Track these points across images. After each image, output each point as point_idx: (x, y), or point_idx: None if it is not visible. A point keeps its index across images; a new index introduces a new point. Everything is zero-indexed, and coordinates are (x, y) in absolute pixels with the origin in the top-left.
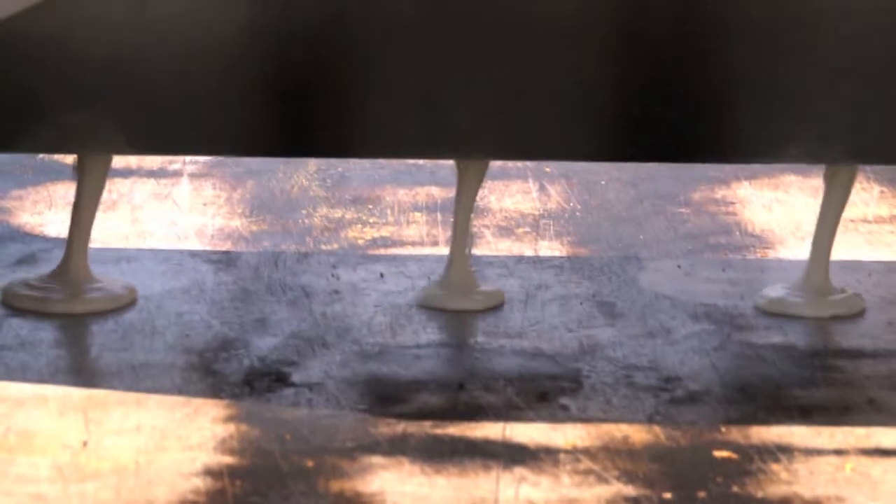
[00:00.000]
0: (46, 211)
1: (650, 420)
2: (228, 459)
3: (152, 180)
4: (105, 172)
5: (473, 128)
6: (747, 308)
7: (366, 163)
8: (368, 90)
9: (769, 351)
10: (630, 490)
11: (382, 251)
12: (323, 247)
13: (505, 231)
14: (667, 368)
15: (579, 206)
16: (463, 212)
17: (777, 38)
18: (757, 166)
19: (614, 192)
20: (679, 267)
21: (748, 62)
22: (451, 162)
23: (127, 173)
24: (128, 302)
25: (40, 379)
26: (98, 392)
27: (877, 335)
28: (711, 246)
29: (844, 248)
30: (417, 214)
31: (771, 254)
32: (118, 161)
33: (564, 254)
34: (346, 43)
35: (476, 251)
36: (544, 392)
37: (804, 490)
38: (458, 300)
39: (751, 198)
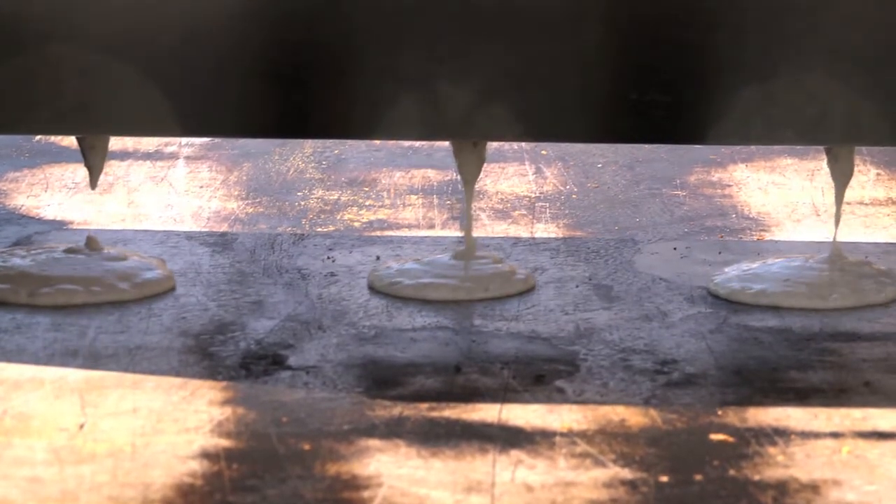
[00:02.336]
0: (42, 193)
1: (647, 403)
2: (225, 442)
3: (148, 163)
4: (106, 147)
5: (471, 109)
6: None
7: (362, 145)
8: (366, 71)
9: (765, 334)
10: (626, 473)
11: (378, 234)
12: (319, 229)
13: (501, 214)
14: (663, 351)
15: (575, 189)
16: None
17: (773, 19)
18: (753, 149)
19: (610, 174)
20: (675, 249)
21: (745, 43)
22: (446, 145)
23: (123, 156)
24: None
25: (36, 361)
26: (94, 374)
27: (873, 318)
28: (708, 228)
29: (841, 231)
30: (413, 197)
31: (767, 236)
32: (114, 144)
33: (561, 236)
34: (344, 22)
35: (472, 234)
36: (541, 375)
37: (801, 473)
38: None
39: (747, 180)
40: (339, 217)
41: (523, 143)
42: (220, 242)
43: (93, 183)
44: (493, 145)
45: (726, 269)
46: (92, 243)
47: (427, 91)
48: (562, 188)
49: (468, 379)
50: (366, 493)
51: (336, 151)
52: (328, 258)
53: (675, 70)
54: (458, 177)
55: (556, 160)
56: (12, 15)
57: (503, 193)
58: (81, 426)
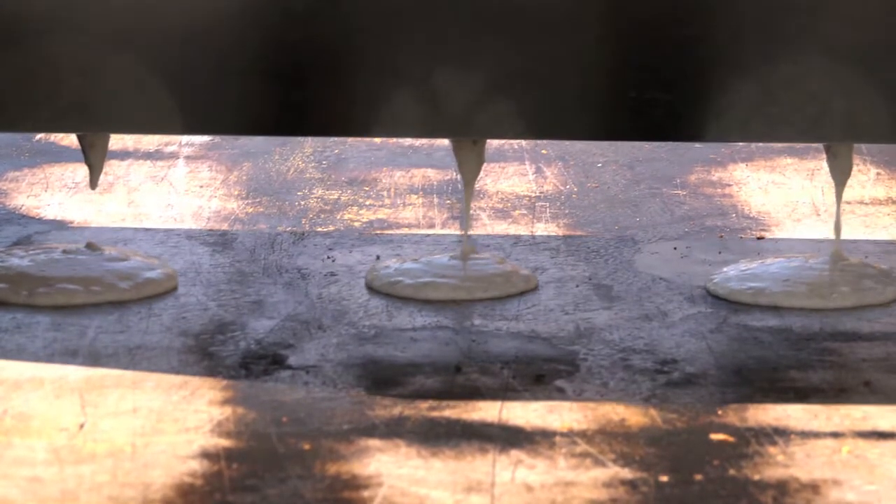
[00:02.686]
0: (43, 193)
1: (647, 403)
2: (225, 442)
3: (148, 162)
4: (106, 145)
5: (471, 107)
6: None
7: (362, 145)
8: (366, 68)
9: (765, 333)
10: (626, 473)
11: (378, 233)
12: (319, 229)
13: (501, 213)
14: (663, 351)
15: (576, 189)
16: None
17: (773, 17)
18: (753, 148)
19: (610, 174)
20: (675, 249)
21: (744, 41)
22: (446, 144)
23: (123, 155)
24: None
25: (36, 361)
26: (94, 374)
27: (873, 318)
28: (708, 228)
29: (841, 230)
30: (414, 197)
31: (767, 236)
32: (114, 143)
33: (561, 236)
34: (344, 20)
35: (472, 233)
36: (541, 375)
37: (801, 473)
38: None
39: (747, 180)
40: (339, 217)
41: (523, 142)
42: (220, 242)
43: (93, 182)
44: (493, 144)
45: (724, 269)
46: (92, 248)
47: (427, 89)
48: (562, 188)
49: (468, 379)
50: (366, 493)
51: (336, 151)
52: (328, 258)
53: (675, 68)
54: (459, 176)
55: (556, 159)
56: (12, 13)
57: (503, 193)
58: (81, 426)
